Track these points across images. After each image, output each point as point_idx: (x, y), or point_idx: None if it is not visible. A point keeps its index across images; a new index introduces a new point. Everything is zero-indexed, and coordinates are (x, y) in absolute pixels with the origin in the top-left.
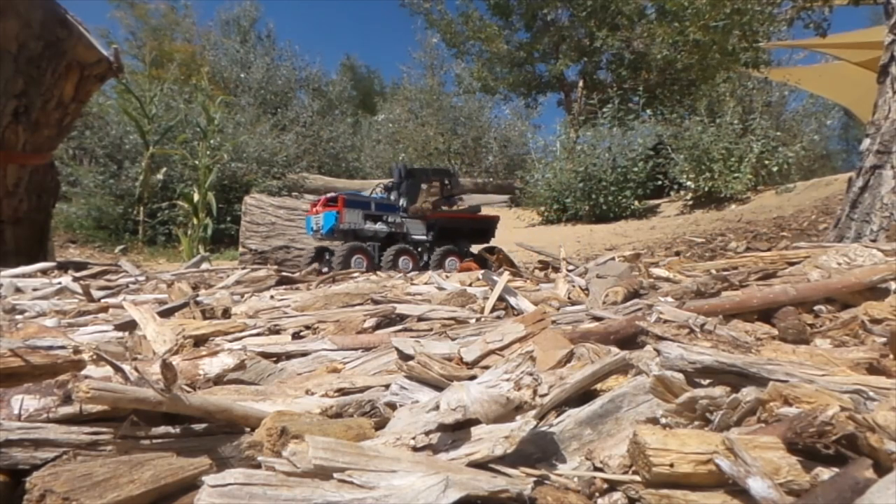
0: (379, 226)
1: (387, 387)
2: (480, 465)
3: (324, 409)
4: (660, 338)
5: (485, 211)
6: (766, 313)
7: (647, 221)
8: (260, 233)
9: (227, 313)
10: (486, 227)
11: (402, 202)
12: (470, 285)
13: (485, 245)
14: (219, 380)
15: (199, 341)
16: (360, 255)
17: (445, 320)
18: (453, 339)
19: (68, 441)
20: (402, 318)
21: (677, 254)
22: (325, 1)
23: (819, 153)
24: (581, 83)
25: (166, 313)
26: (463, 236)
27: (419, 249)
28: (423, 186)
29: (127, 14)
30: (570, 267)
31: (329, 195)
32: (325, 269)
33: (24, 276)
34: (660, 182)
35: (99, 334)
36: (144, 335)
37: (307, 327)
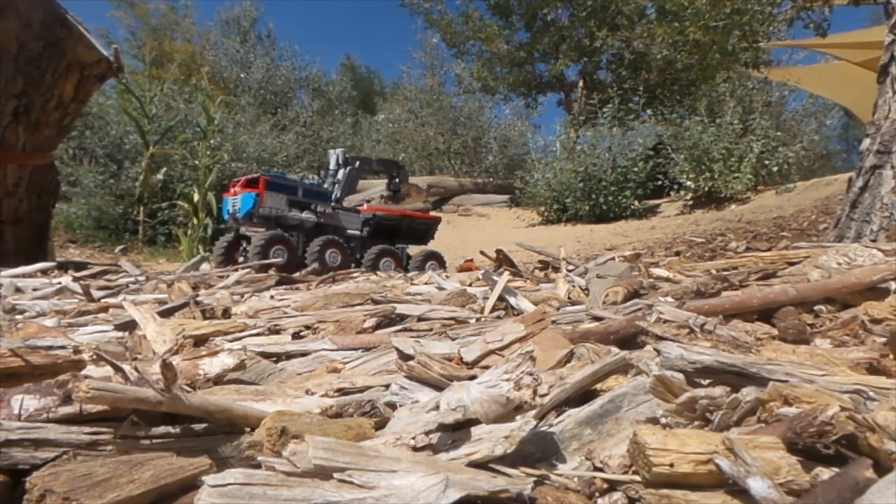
0: (306, 214)
1: (387, 387)
2: (480, 465)
3: (324, 409)
4: (660, 338)
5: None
6: (766, 313)
7: (647, 221)
8: None
9: (227, 313)
10: (425, 228)
11: (337, 192)
12: (470, 285)
13: (424, 248)
14: (219, 380)
15: (199, 341)
16: (281, 246)
17: (445, 320)
18: (453, 339)
19: (68, 441)
20: (402, 318)
21: (677, 254)
22: (325, 1)
23: (819, 153)
24: (581, 83)
25: (166, 313)
26: (400, 235)
27: (352, 245)
28: (403, 190)
29: (127, 14)
30: (570, 267)
31: (251, 175)
32: (241, 259)
33: (24, 276)
34: (660, 182)
35: (99, 334)
36: (144, 335)
37: (307, 327)
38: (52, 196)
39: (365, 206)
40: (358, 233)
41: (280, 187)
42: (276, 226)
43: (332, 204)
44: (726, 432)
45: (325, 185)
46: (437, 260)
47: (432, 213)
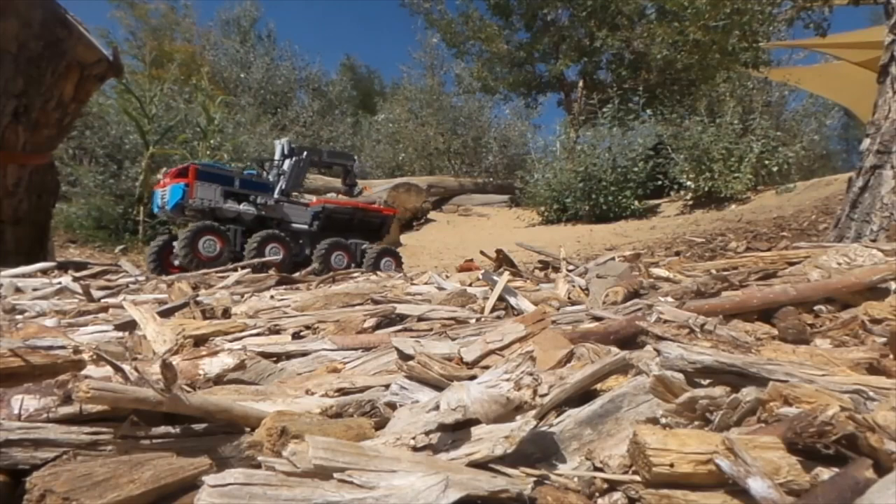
0: (244, 207)
1: (387, 387)
2: (480, 465)
3: (324, 409)
4: (660, 338)
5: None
6: (766, 313)
7: (647, 221)
8: None
9: (227, 313)
10: (380, 223)
11: (282, 184)
12: (470, 285)
13: (380, 244)
14: (219, 380)
15: (199, 341)
16: (212, 237)
17: (445, 320)
18: (453, 339)
19: (68, 441)
20: (402, 318)
21: (677, 254)
22: (325, 1)
23: (819, 153)
24: (581, 83)
25: (166, 313)
26: (353, 230)
27: (300, 241)
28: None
29: (127, 14)
30: (570, 267)
31: (181, 166)
32: (176, 262)
33: (24, 276)
34: (660, 182)
35: (99, 334)
36: (144, 335)
37: (307, 327)
38: (52, 196)
39: (314, 199)
40: (306, 227)
41: (213, 177)
42: (213, 218)
43: (276, 196)
44: (726, 432)
45: (270, 177)
46: (394, 257)
47: (388, 207)
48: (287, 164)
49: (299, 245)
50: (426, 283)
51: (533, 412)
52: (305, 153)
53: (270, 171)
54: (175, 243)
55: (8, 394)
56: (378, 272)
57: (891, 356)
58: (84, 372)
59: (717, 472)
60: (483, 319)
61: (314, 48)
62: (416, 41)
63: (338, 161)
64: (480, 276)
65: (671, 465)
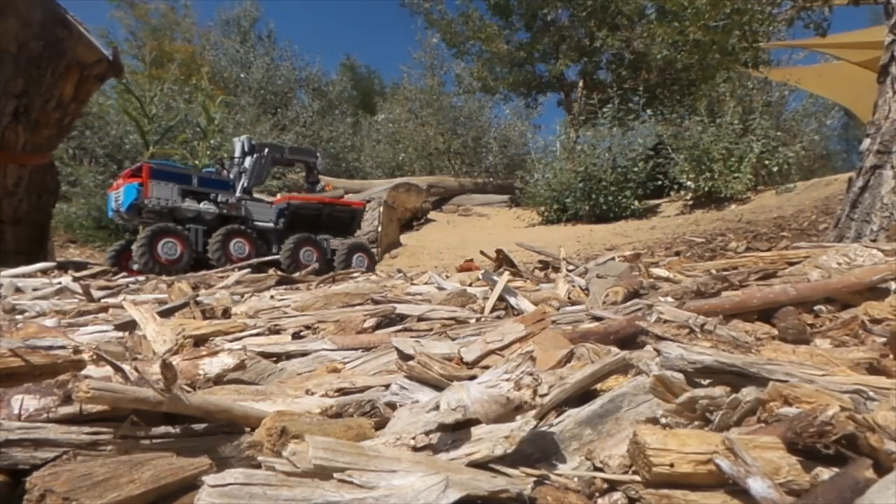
0: (205, 206)
1: (387, 387)
2: (480, 465)
3: (324, 409)
4: (660, 338)
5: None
6: (766, 313)
7: (647, 221)
8: None
9: (227, 313)
10: (349, 217)
11: (244, 181)
12: (470, 285)
13: (352, 239)
14: (219, 380)
15: (199, 341)
16: (172, 239)
17: (445, 320)
18: (453, 339)
19: (68, 441)
20: (402, 317)
21: (677, 254)
22: (325, 1)
23: (819, 153)
24: (581, 83)
25: (166, 313)
26: (321, 225)
27: (268, 239)
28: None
29: (127, 14)
30: (570, 267)
31: (135, 165)
32: (135, 267)
33: (24, 276)
34: (660, 182)
35: (99, 334)
36: (144, 335)
37: (307, 327)
38: (52, 196)
39: (279, 196)
40: (272, 225)
41: (169, 176)
42: (172, 219)
43: (238, 194)
44: (726, 432)
45: (231, 175)
46: (366, 253)
47: (357, 200)
48: (248, 161)
49: (267, 243)
50: (426, 283)
51: (533, 412)
52: (266, 150)
53: (231, 169)
54: (133, 247)
55: (8, 394)
56: (349, 265)
57: (891, 356)
58: (84, 372)
59: (717, 472)
60: (483, 319)
61: (314, 48)
62: (416, 41)
63: (300, 157)
64: (480, 276)
65: (671, 465)
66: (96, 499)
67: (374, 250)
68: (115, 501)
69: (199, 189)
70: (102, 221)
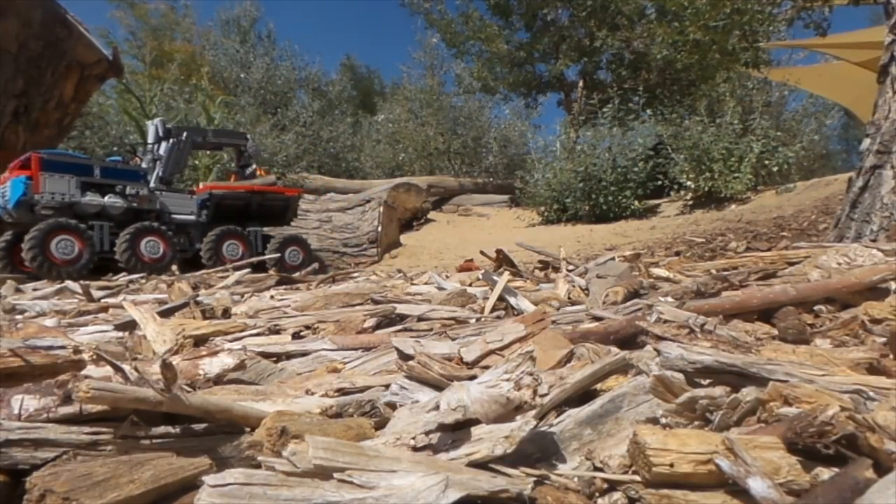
0: (110, 199)
1: (387, 387)
2: (480, 465)
3: (324, 409)
4: (660, 338)
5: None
6: (766, 313)
7: (647, 221)
8: None
9: (227, 313)
10: (283, 206)
11: (158, 170)
12: (470, 285)
13: (289, 233)
14: (219, 380)
15: (199, 341)
16: (68, 236)
17: (445, 320)
18: (453, 339)
19: (68, 441)
20: (402, 318)
21: (677, 254)
22: (325, 1)
23: (819, 153)
24: (581, 83)
25: (166, 313)
26: (250, 216)
27: (189, 233)
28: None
29: (127, 14)
30: (570, 267)
31: (23, 156)
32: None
33: None
34: (660, 182)
35: (99, 334)
36: (144, 335)
37: (307, 327)
38: None
39: (201, 185)
40: (194, 218)
41: (65, 167)
42: (72, 215)
43: (153, 185)
44: (726, 432)
45: (144, 163)
46: (300, 246)
47: (290, 188)
48: (163, 147)
49: (188, 238)
50: (426, 283)
51: (533, 412)
52: (185, 133)
53: (144, 157)
54: (22, 244)
55: (8, 394)
56: (283, 258)
57: (891, 356)
58: (84, 372)
59: (717, 472)
60: (483, 319)
61: (314, 48)
62: (416, 41)
63: (227, 141)
64: (480, 276)
65: (671, 465)
66: (96, 499)
67: (372, 250)
68: (115, 501)
69: (102, 181)
70: None
